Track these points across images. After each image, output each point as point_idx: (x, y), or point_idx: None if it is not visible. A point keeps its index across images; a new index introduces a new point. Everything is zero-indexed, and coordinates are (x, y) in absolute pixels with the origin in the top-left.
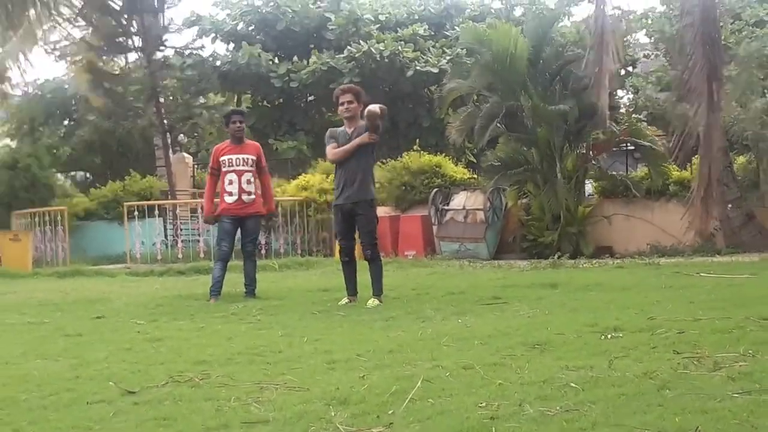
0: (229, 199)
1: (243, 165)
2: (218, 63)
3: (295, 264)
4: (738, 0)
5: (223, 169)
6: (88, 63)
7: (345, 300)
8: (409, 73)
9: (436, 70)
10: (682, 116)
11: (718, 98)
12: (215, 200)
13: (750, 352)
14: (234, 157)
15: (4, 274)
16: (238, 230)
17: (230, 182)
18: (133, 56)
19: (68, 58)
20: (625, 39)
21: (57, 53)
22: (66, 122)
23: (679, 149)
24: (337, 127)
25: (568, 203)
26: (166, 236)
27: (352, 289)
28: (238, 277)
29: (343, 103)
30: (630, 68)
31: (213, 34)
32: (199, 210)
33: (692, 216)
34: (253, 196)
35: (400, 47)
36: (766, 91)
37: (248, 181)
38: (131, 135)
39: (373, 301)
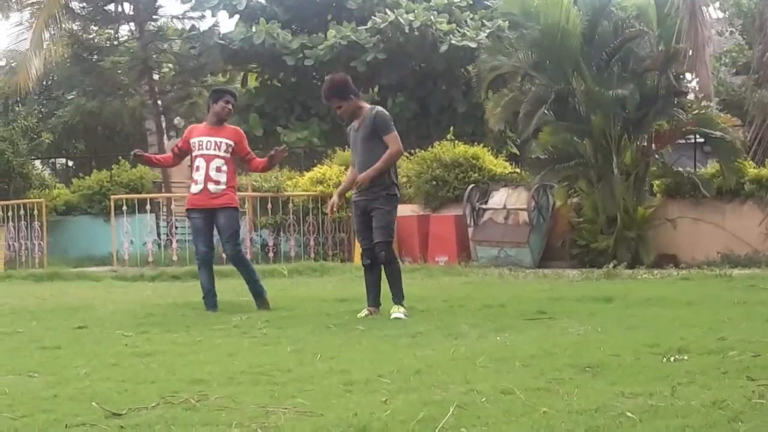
0: (194, 189)
1: (215, 149)
2: (227, 42)
3: (308, 269)
4: None
5: (193, 153)
6: (70, 33)
7: (365, 312)
8: (443, 47)
9: (474, 45)
10: (762, 103)
11: None
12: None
13: None
14: (206, 139)
15: None
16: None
17: (197, 168)
18: (123, 27)
19: (51, 27)
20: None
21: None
22: (46, 101)
23: (758, 142)
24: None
25: (626, 203)
26: (158, 235)
27: (373, 298)
28: (241, 283)
29: (336, 109)
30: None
31: (222, 10)
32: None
33: None
34: (222, 187)
35: (432, 18)
36: None
37: (218, 169)
38: (120, 117)
39: (397, 309)
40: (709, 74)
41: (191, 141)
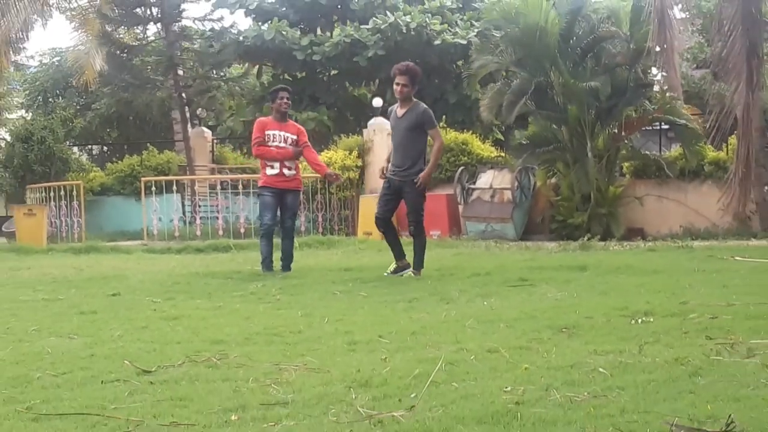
0: (270, 172)
1: (284, 142)
2: (241, 38)
3: (316, 243)
4: None
5: (268, 143)
6: (104, 33)
7: (393, 266)
8: (437, 42)
9: (464, 42)
10: (719, 95)
11: (758, 77)
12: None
13: None
14: (278, 133)
15: (18, 250)
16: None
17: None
18: (151, 28)
19: (86, 28)
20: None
21: (75, 22)
22: (83, 95)
23: (716, 129)
24: (362, 101)
25: (598, 183)
26: (184, 213)
27: (397, 254)
28: (257, 255)
29: (398, 84)
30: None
31: (238, 9)
32: (219, 187)
33: (729, 198)
34: (293, 172)
35: (427, 19)
36: None
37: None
38: (149, 108)
39: (411, 272)
40: (678, 75)
41: (267, 133)
